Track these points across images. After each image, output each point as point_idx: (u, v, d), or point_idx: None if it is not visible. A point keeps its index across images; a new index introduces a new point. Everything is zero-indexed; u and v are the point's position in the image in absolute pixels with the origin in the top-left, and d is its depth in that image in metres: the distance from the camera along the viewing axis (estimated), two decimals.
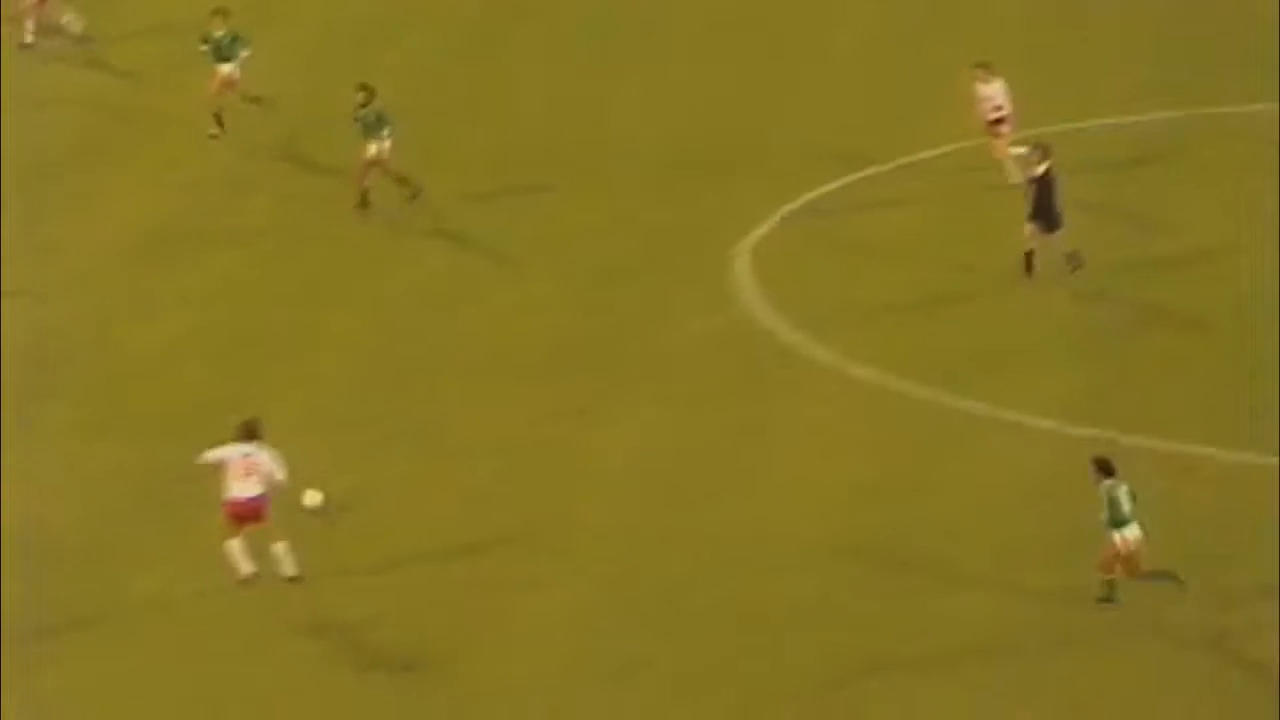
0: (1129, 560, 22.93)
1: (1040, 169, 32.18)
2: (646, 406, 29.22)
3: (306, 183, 36.65)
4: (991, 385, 28.85)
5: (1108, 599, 23.30)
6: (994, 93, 35.08)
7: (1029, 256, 32.13)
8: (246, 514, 23.90)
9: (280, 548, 24.17)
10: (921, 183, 35.62)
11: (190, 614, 24.27)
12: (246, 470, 23.82)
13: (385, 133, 34.48)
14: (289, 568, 24.23)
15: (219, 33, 37.15)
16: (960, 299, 31.81)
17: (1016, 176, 33.57)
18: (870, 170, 36.19)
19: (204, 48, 37.27)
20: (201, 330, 32.02)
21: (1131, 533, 22.86)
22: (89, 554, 25.57)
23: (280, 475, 23.95)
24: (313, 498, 24.33)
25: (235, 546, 24.03)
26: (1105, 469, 23.04)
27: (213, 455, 24.02)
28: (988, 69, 35.24)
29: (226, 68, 37.31)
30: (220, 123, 37.52)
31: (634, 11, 43.67)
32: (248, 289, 33.46)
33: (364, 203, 35.27)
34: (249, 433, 24.10)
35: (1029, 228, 32.14)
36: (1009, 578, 24.20)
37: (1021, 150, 33.97)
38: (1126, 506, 22.86)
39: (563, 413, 28.81)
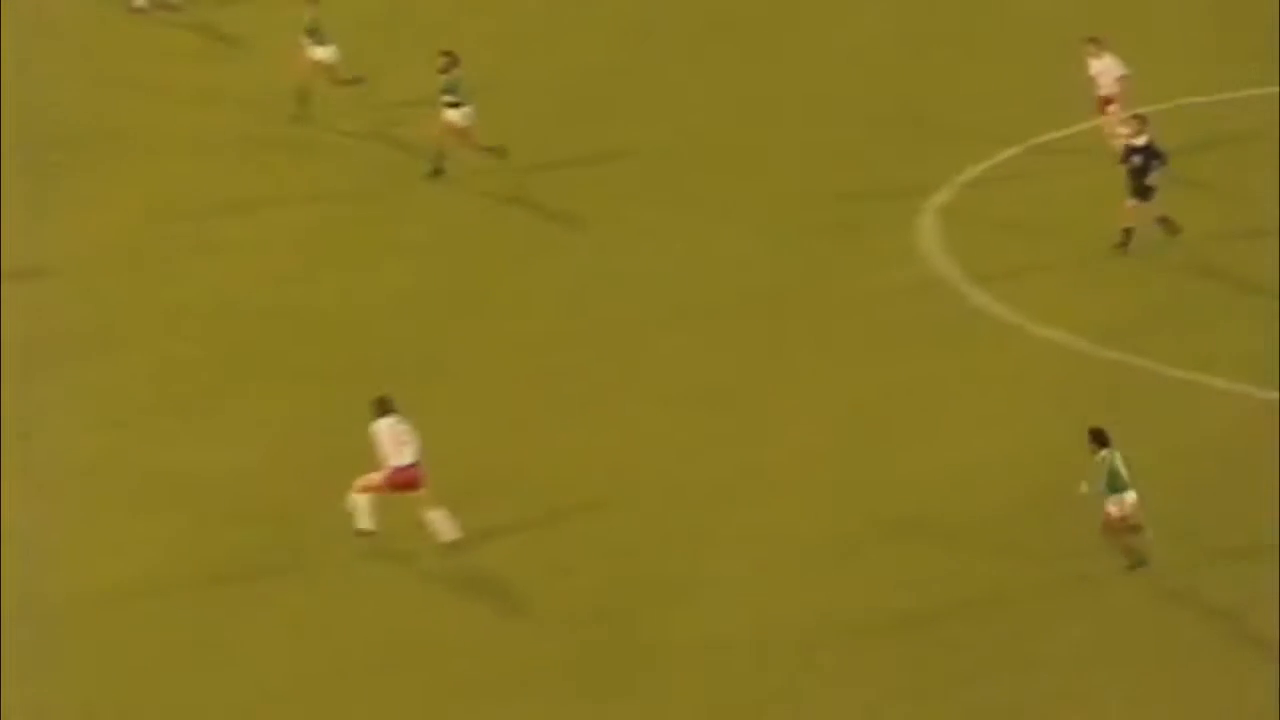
0: (1122, 525, 24.06)
1: (1139, 140, 31.94)
2: (832, 359, 29.84)
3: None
4: (1161, 345, 29.42)
5: (1140, 563, 24.14)
6: (1104, 68, 34.77)
7: (1128, 233, 31.84)
8: (409, 482, 24.47)
9: (439, 514, 24.55)
10: (1086, 156, 35.66)
11: (371, 570, 24.90)
12: (400, 441, 24.44)
13: (462, 101, 34.31)
14: (450, 532, 24.59)
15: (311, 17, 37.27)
16: (1127, 263, 32.29)
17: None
18: (1045, 137, 36.57)
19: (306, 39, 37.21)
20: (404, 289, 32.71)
21: (1129, 497, 23.97)
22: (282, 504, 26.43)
23: (417, 443, 24.60)
24: None
25: (364, 500, 24.61)
26: (1101, 440, 24.17)
27: (380, 433, 24.65)
28: (1098, 45, 34.94)
29: (321, 51, 37.12)
30: (304, 102, 37.23)
31: None
32: (440, 252, 34.09)
33: (438, 170, 35.01)
34: (384, 408, 24.70)
35: (1130, 202, 31.86)
36: (1189, 529, 24.66)
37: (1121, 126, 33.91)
38: (1124, 473, 23.93)
39: (750, 365, 29.63)
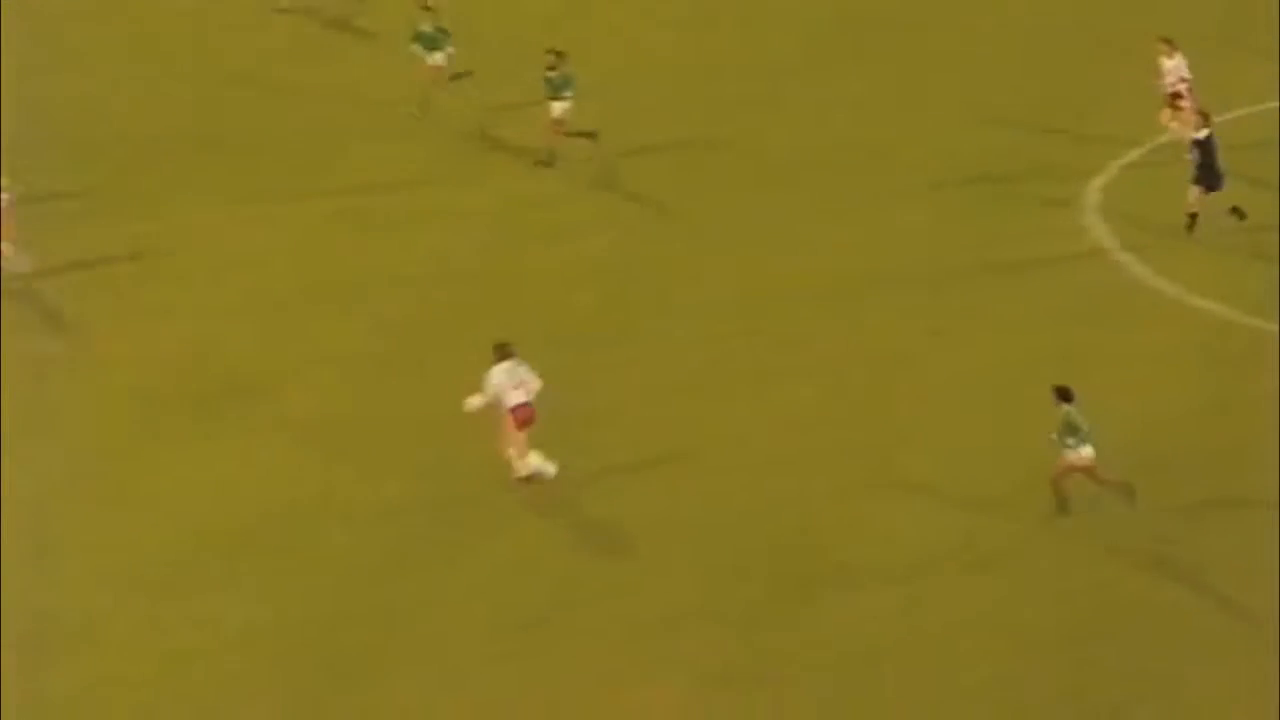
0: (1088, 472, 26.02)
1: (1202, 133, 33.89)
2: (991, 328, 31.68)
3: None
4: None
5: (1063, 510, 26.09)
6: (1174, 67, 36.81)
7: (1193, 217, 33.83)
8: (528, 418, 27.09)
9: (537, 455, 27.31)
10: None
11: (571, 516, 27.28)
12: (516, 383, 27.06)
13: (568, 94, 36.88)
14: (550, 468, 27.38)
15: (426, 26, 39.62)
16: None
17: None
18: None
19: (414, 46, 39.62)
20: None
21: (1087, 450, 25.86)
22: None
23: (537, 385, 27.10)
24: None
25: (519, 451, 27.26)
26: (1064, 395, 26.09)
27: (495, 376, 27.06)
28: (1170, 45, 37.01)
29: (437, 57, 39.64)
30: (423, 108, 39.74)
31: None
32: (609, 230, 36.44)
33: (549, 161, 37.73)
34: (504, 354, 27.22)
35: (1194, 190, 33.77)
36: None
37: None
38: (1083, 428, 25.80)
39: (914, 333, 31.53)
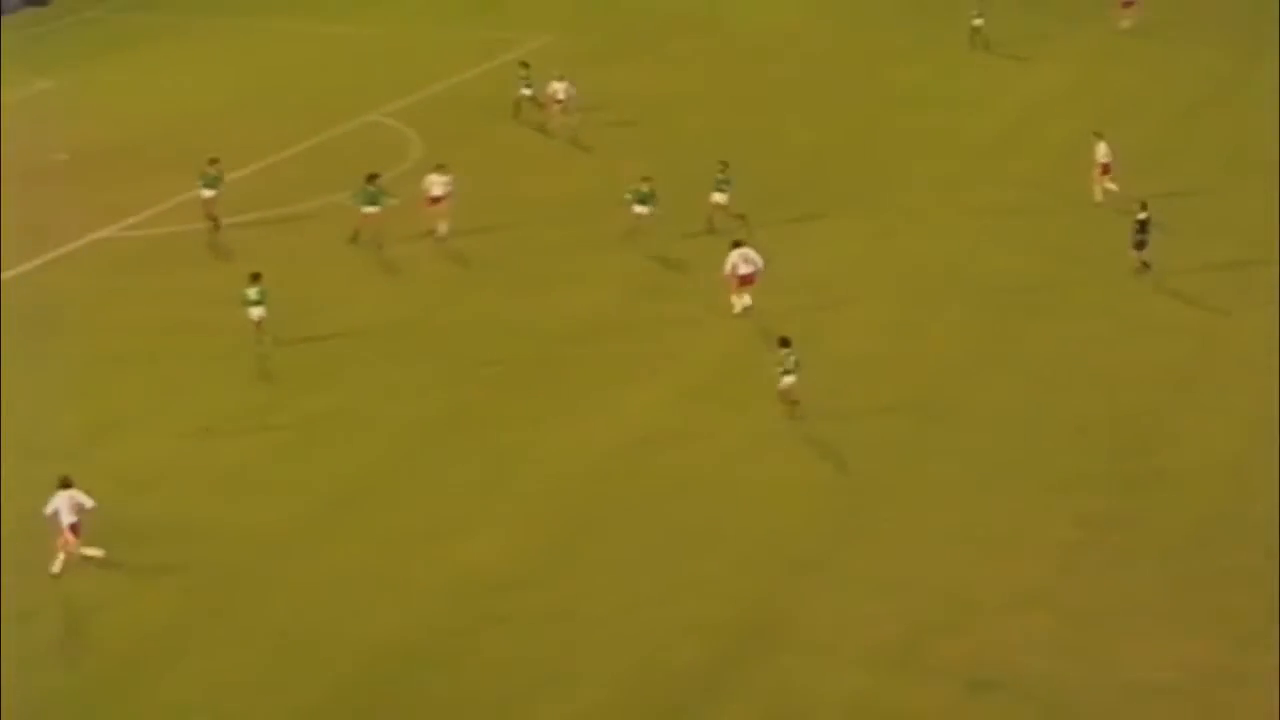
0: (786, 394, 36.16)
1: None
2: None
3: None
4: None
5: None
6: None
7: None
8: (749, 281, 41.75)
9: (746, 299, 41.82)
10: None
11: None
12: (747, 260, 41.87)
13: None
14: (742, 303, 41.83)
15: None
16: None
17: None
18: None
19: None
20: None
21: (789, 380, 36.23)
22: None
23: (761, 263, 41.74)
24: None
25: (738, 299, 41.79)
26: (785, 343, 36.37)
27: (733, 257, 41.85)
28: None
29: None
30: None
31: None
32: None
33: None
34: (737, 244, 42.29)
35: None
36: None
37: None
38: (791, 362, 36.03)
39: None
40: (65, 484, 31.80)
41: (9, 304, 43.73)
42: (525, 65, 58.23)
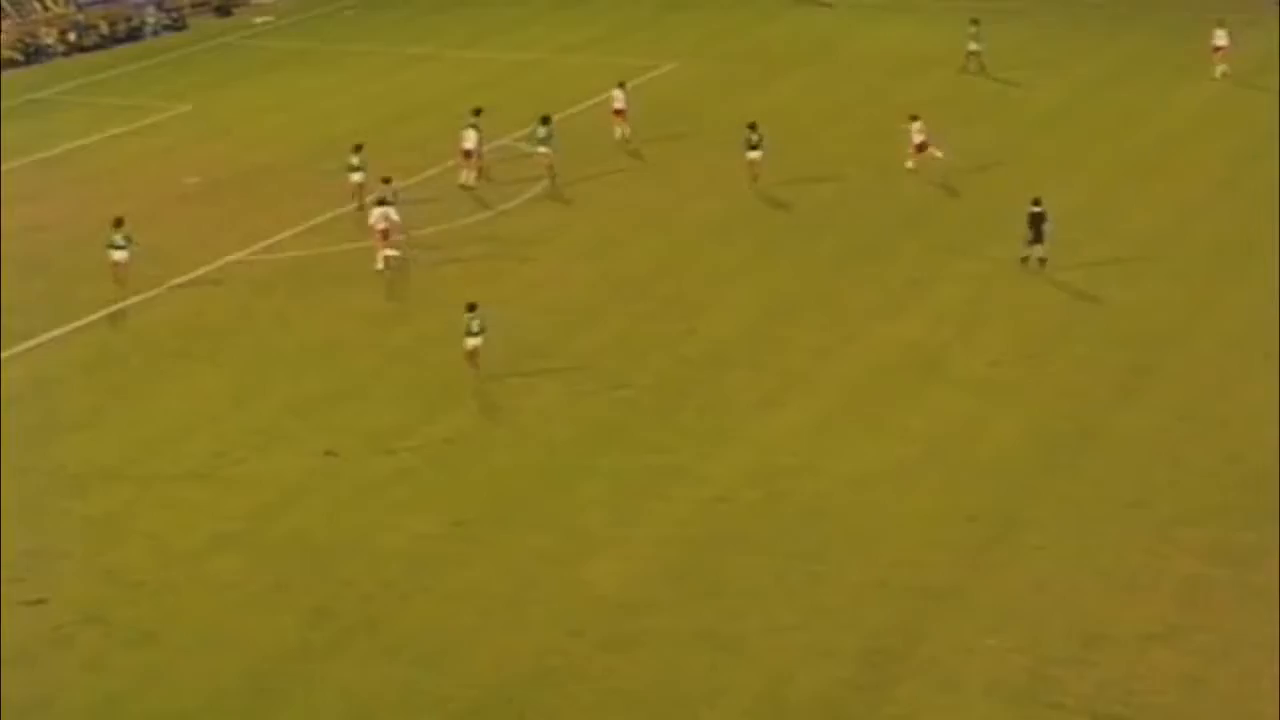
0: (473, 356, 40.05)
1: None
2: None
3: None
4: None
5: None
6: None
7: None
8: (924, 149, 52.20)
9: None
10: None
11: None
12: (922, 133, 52.53)
13: None
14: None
15: None
16: None
17: None
18: None
19: None
20: None
21: (474, 342, 39.78)
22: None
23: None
24: None
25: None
26: (471, 308, 39.80)
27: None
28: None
29: None
30: None
31: None
32: None
33: None
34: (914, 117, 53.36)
35: None
36: None
37: None
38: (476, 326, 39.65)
39: None
40: (380, 201, 46.14)
41: (144, 326, 44.46)
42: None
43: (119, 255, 46.52)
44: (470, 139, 54.25)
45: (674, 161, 57.65)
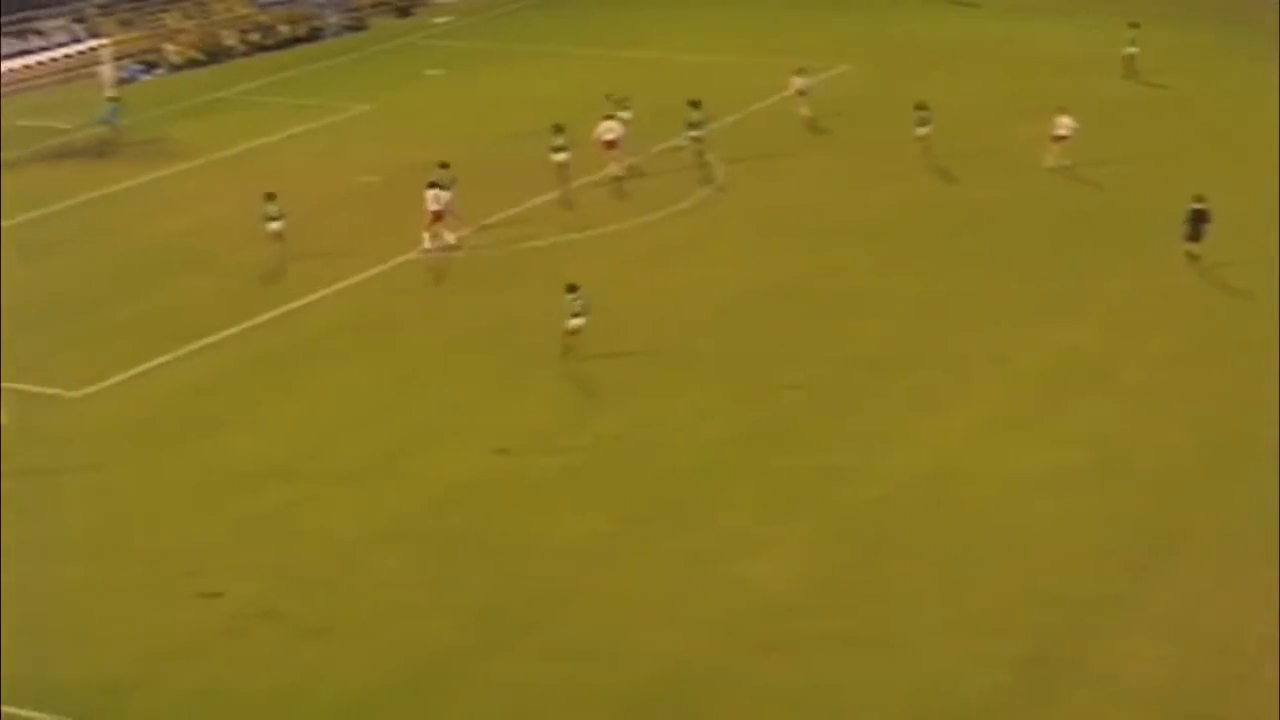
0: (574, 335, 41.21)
1: None
2: None
3: None
4: None
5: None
6: None
7: None
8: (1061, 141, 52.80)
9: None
10: None
11: None
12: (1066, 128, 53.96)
13: None
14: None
15: None
16: None
17: None
18: None
19: None
20: None
21: (578, 322, 41.16)
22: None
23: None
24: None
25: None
26: (572, 289, 41.02)
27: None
28: None
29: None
30: None
31: None
32: None
33: None
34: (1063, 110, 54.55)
35: None
36: None
37: None
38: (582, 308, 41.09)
39: None
40: (432, 185, 47.71)
41: (314, 325, 45.32)
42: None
43: (274, 226, 49.49)
44: (614, 130, 55.03)
45: (837, 160, 57.84)
